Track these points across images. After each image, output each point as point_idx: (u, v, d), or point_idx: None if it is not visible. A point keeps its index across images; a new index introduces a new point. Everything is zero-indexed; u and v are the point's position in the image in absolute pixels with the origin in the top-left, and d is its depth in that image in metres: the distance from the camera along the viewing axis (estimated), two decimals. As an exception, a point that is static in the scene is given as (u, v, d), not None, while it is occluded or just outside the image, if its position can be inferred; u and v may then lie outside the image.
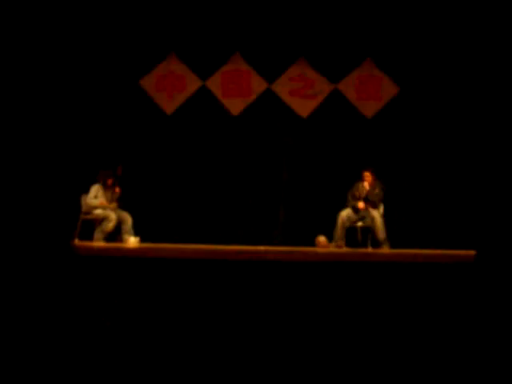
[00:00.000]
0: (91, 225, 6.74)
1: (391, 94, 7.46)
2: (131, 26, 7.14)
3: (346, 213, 6.82)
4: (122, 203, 6.86)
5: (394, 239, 6.74)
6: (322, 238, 6.70)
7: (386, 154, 7.39)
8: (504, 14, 6.69)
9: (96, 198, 6.72)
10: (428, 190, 7.33)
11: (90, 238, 6.62)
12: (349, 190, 6.96)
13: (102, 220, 6.64)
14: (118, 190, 6.82)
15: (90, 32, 6.99)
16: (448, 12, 6.98)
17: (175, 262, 4.35)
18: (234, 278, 4.07)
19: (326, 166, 7.49)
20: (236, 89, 7.49)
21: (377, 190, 6.86)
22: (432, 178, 7.33)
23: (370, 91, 7.46)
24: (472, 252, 5.33)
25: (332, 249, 6.58)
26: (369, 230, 6.81)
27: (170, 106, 7.46)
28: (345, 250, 6.59)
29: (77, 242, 6.46)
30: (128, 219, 6.70)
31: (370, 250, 6.72)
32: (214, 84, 7.48)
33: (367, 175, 6.88)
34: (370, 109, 7.46)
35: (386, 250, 6.56)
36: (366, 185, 6.88)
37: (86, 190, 6.78)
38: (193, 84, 7.45)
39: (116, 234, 6.70)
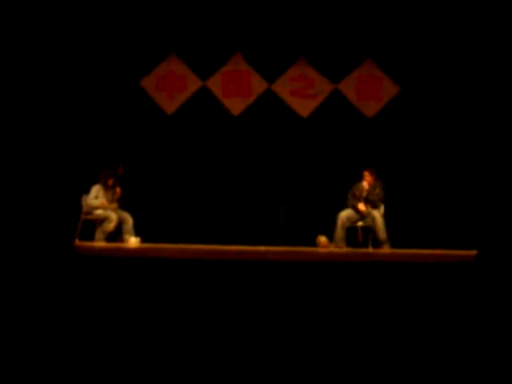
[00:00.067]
0: (92, 225, 6.75)
1: (391, 93, 7.46)
2: (131, 27, 7.15)
3: (345, 213, 6.83)
4: (123, 203, 6.88)
5: (394, 239, 6.75)
6: (322, 238, 6.70)
7: (386, 153, 7.39)
8: (504, 14, 6.69)
9: (97, 198, 6.73)
10: (429, 189, 7.33)
11: (91, 238, 6.64)
12: (349, 189, 6.96)
13: (103, 220, 6.65)
14: (118, 190, 6.84)
15: (91, 32, 7.00)
16: (448, 12, 6.98)
17: (176, 262, 4.34)
18: (234, 279, 4.07)
19: (326, 166, 7.50)
20: (236, 89, 7.50)
21: (377, 190, 6.86)
22: (432, 178, 7.33)
23: (370, 91, 7.46)
24: (473, 252, 5.33)
25: (333, 249, 6.58)
26: (369, 230, 6.81)
27: (170, 106, 7.47)
28: (345, 250, 6.60)
29: (77, 242, 6.47)
30: (129, 219, 6.72)
31: (370, 250, 6.72)
32: (215, 84, 7.48)
33: (367, 175, 6.89)
34: (370, 109, 7.46)
35: (386, 250, 6.56)
36: (366, 184, 6.89)
37: (87, 191, 6.79)
38: (193, 84, 7.46)
39: (117, 234, 6.72)
